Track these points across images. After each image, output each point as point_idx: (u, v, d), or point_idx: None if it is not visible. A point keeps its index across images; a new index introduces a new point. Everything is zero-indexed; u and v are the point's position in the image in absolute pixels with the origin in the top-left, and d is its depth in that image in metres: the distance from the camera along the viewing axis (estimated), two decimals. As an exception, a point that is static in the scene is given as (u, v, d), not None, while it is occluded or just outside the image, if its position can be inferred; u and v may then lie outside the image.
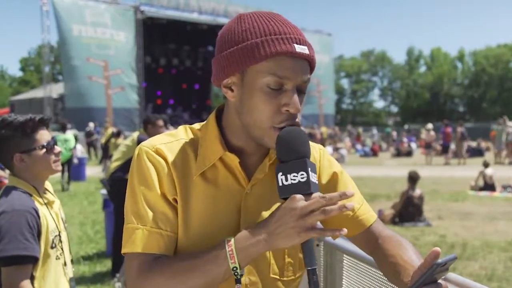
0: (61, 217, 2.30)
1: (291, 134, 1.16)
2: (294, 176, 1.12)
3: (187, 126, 1.37)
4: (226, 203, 1.26)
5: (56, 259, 2.17)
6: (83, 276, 5.95)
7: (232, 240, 1.13)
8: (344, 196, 1.08)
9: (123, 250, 1.24)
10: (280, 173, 1.13)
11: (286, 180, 1.12)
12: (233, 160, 1.26)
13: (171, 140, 1.30)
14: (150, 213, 1.22)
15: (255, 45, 1.17)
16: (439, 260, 1.02)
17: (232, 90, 1.24)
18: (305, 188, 1.11)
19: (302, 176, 1.11)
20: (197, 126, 1.36)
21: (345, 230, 1.08)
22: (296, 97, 1.18)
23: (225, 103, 1.31)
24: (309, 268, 1.11)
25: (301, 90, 1.21)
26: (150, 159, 1.25)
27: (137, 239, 1.21)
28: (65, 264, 2.23)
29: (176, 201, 1.24)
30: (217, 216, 1.24)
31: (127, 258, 1.24)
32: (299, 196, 1.10)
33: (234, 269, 1.12)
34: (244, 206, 1.27)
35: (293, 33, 1.19)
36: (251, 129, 1.22)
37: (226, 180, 1.27)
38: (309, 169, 1.12)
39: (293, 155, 1.14)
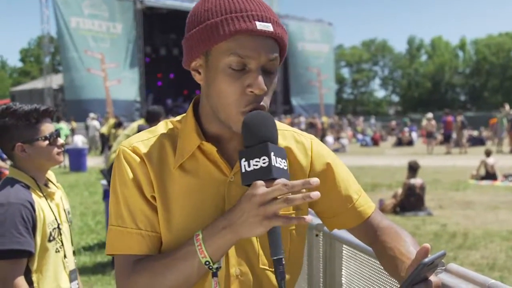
0: (64, 208, 2.26)
1: (254, 118, 1.12)
2: (256, 161, 1.07)
3: (168, 120, 1.35)
4: (209, 193, 1.23)
5: (56, 252, 2.14)
6: (84, 266, 5.95)
7: (201, 233, 1.11)
8: (307, 184, 1.03)
9: (108, 252, 1.24)
10: (243, 159, 1.09)
11: (249, 166, 1.08)
12: (211, 149, 1.23)
13: (149, 137, 1.28)
14: (130, 214, 1.21)
15: (214, 24, 1.13)
16: (426, 260, 0.99)
17: (199, 73, 1.21)
18: (267, 174, 1.06)
19: (264, 161, 1.07)
20: (178, 118, 1.33)
21: (310, 218, 1.04)
22: (260, 77, 1.12)
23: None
24: (274, 258, 1.07)
25: (268, 70, 1.15)
26: (126, 158, 1.24)
27: (118, 241, 1.21)
28: (65, 256, 2.20)
29: (154, 198, 1.22)
30: (201, 207, 1.22)
31: (114, 258, 1.24)
32: (260, 182, 1.05)
33: (207, 263, 1.10)
34: (228, 194, 1.23)
35: (255, 10, 1.14)
36: (219, 113, 1.18)
37: (208, 169, 1.24)
38: (272, 153, 1.08)
39: (255, 140, 1.10)
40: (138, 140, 1.27)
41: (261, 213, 1.03)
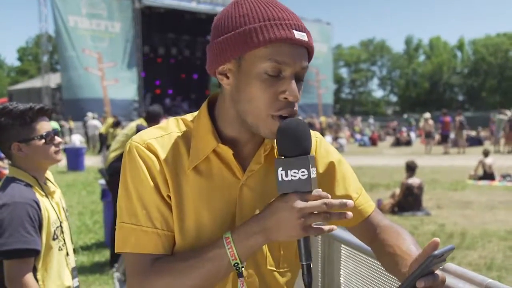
0: (62, 206, 2.27)
1: (294, 127, 1.12)
2: (294, 172, 1.09)
3: (179, 118, 1.33)
4: (221, 195, 1.23)
5: (59, 250, 2.16)
6: (82, 266, 5.94)
7: (230, 236, 1.12)
8: (344, 206, 1.07)
9: (120, 250, 1.21)
10: (280, 168, 1.10)
11: (286, 175, 1.09)
12: (226, 152, 1.23)
13: (162, 134, 1.26)
14: (145, 212, 1.19)
15: (253, 30, 1.13)
16: (436, 252, 1.00)
17: (227, 77, 1.20)
18: (305, 186, 1.08)
19: (303, 174, 1.08)
20: (189, 117, 1.31)
21: (334, 227, 1.10)
22: (294, 84, 1.14)
23: (220, 92, 1.27)
24: (306, 263, 1.10)
25: (299, 78, 1.17)
26: (141, 155, 1.21)
27: (134, 239, 1.19)
28: (67, 254, 2.22)
29: (169, 197, 1.21)
30: (213, 209, 1.22)
31: (125, 257, 1.22)
32: (298, 195, 1.08)
33: (236, 265, 1.12)
34: (239, 197, 1.24)
35: (292, 19, 1.16)
36: (247, 117, 1.18)
37: (221, 172, 1.24)
38: (310, 165, 1.10)
39: (295, 150, 1.10)
40: (151, 136, 1.25)
41: (300, 224, 1.07)
